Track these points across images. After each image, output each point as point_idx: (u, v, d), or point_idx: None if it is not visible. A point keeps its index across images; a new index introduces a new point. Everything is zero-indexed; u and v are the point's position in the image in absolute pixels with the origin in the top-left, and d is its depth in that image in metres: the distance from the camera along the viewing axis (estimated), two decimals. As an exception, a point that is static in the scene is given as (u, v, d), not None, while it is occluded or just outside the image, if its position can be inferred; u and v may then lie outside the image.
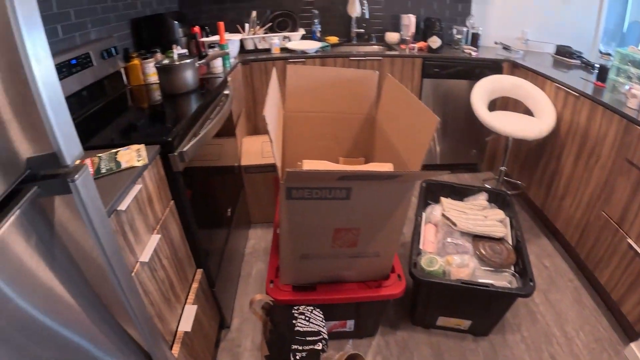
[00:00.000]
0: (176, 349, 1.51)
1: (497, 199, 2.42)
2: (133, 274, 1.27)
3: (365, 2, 3.52)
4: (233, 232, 2.41)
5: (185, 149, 1.58)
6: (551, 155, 2.73)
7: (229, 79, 2.56)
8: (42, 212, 0.76)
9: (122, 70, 2.49)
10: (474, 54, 3.25)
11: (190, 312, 1.65)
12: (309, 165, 1.60)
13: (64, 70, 1.97)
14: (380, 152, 2.05)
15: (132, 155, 1.44)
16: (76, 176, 0.75)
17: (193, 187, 1.81)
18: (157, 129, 1.73)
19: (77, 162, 0.79)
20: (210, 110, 2.06)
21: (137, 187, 1.35)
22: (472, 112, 2.74)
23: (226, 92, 2.35)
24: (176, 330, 1.58)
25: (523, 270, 1.92)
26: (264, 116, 1.37)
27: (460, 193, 2.47)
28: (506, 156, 2.96)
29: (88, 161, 1.43)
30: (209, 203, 2.03)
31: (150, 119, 1.92)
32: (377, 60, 3.19)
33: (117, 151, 1.48)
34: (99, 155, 1.47)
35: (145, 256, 1.36)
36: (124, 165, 1.39)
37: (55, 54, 1.98)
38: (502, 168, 3.00)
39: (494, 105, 3.05)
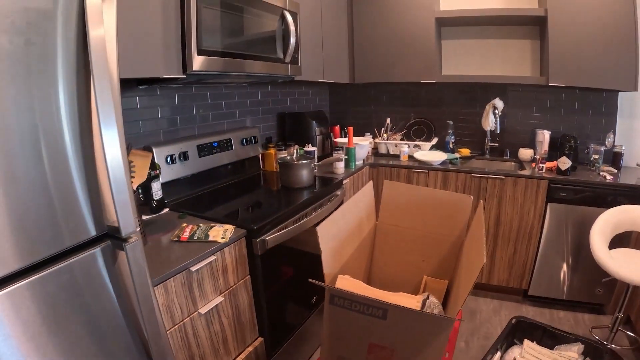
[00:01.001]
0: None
1: (595, 354, 2.17)
2: (188, 318, 1.60)
3: (497, 115, 3.49)
4: (315, 317, 2.57)
5: (267, 238, 1.87)
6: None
7: (345, 181, 2.83)
8: (113, 255, 1.14)
9: (260, 156, 2.91)
10: (609, 177, 2.87)
11: (233, 366, 1.88)
12: (342, 281, 1.72)
13: (205, 149, 2.42)
14: (457, 279, 2.08)
15: (219, 233, 1.75)
16: (127, 244, 1.11)
17: (280, 265, 2.10)
18: (254, 215, 2.07)
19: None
20: (313, 208, 2.32)
21: (212, 258, 1.67)
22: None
23: (338, 192, 2.61)
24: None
25: None
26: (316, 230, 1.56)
27: (555, 338, 2.26)
28: (624, 302, 2.56)
29: (190, 227, 1.82)
30: (292, 285, 2.26)
31: (258, 204, 2.27)
32: (499, 179, 3.06)
33: (213, 226, 1.82)
34: (200, 224, 1.85)
35: (204, 309, 1.66)
36: (210, 238, 1.72)
37: (201, 135, 2.46)
38: (619, 315, 2.58)
39: (627, 241, 2.73)
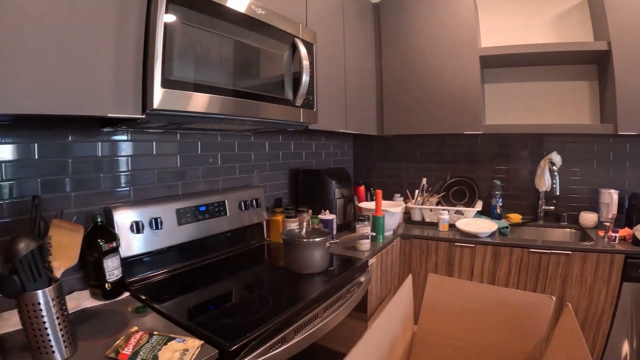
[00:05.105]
0: None
1: None
2: None
3: (556, 174, 2.87)
4: None
5: (250, 365, 1.20)
6: None
7: (371, 261, 2.19)
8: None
9: (265, 223, 2.32)
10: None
11: None
12: None
13: (187, 215, 1.86)
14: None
15: (174, 357, 1.14)
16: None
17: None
18: (236, 319, 1.38)
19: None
20: (327, 306, 1.66)
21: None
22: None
23: (362, 278, 1.97)
24: None
25: None
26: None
27: None
28: None
29: (139, 335, 1.22)
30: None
31: (246, 299, 1.58)
32: (564, 255, 2.40)
33: (172, 338, 1.21)
34: (155, 333, 1.24)
35: None
36: (159, 364, 1.08)
37: (185, 196, 1.94)
38: None
39: None
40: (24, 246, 1.05)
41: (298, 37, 1.84)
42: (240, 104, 1.56)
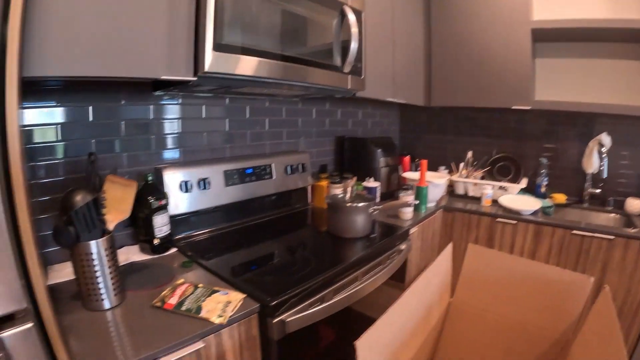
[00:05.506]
0: None
1: None
2: None
3: (605, 156, 2.70)
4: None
5: (288, 320, 1.26)
6: None
7: (412, 230, 2.19)
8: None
9: (310, 188, 2.35)
10: None
11: None
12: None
13: (234, 177, 1.91)
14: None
15: (217, 307, 1.19)
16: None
17: (312, 351, 1.49)
18: (278, 277, 1.43)
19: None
20: (366, 270, 1.69)
21: (197, 345, 1.09)
22: None
23: (402, 246, 1.98)
24: None
25: None
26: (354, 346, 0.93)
27: None
28: None
29: (185, 287, 1.30)
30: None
31: (288, 259, 1.64)
32: (606, 240, 2.28)
33: (215, 291, 1.28)
34: (200, 286, 1.31)
35: None
36: (202, 313, 1.16)
37: (233, 158, 1.98)
38: None
39: None
40: (80, 198, 1.12)
41: (347, 5, 1.83)
42: (289, 68, 1.57)
